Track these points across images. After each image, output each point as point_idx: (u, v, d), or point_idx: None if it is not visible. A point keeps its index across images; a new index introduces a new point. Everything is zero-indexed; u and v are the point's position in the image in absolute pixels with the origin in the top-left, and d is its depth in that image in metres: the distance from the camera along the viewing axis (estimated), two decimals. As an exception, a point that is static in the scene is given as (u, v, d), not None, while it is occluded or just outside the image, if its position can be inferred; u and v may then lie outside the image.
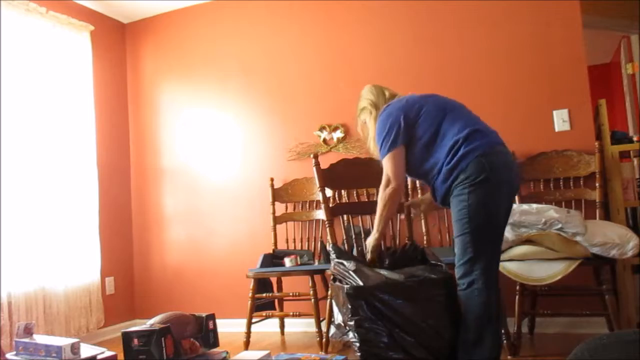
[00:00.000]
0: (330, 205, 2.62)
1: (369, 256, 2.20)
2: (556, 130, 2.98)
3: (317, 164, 2.59)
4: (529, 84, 3.06)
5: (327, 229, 2.48)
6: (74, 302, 3.40)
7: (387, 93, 2.27)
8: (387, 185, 2.07)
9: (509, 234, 2.46)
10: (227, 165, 3.83)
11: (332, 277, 2.16)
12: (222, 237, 3.81)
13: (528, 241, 2.45)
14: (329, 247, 2.33)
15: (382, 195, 2.09)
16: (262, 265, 3.12)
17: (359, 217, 3.27)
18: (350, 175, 2.62)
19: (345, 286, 1.96)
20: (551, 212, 2.43)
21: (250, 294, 2.98)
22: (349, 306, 1.93)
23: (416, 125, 2.06)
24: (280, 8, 3.73)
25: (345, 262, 2.09)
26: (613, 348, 0.96)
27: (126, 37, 4.26)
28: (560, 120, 2.97)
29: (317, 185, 2.57)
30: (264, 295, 3.05)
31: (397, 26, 3.39)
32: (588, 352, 0.97)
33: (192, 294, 3.84)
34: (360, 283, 1.94)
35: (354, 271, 2.02)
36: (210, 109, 3.93)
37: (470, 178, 1.92)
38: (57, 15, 3.50)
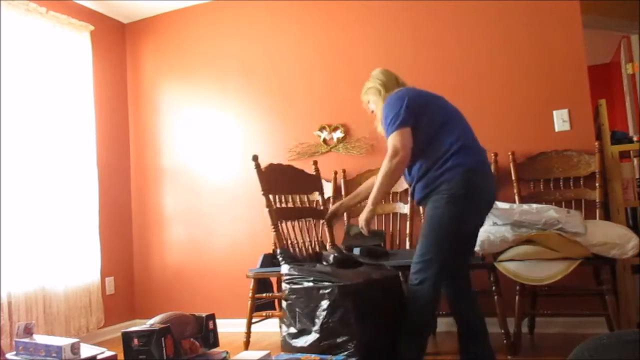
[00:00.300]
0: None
1: (364, 231, 2.25)
2: (556, 130, 2.98)
3: (258, 166, 2.50)
4: (529, 84, 3.06)
5: (274, 234, 2.43)
6: (74, 302, 3.40)
7: (399, 79, 2.32)
8: (394, 156, 2.07)
9: (508, 234, 2.46)
10: (227, 165, 3.83)
11: (287, 281, 2.13)
12: (222, 237, 3.81)
13: (528, 241, 2.44)
14: (278, 251, 2.33)
15: (387, 165, 2.09)
16: (262, 265, 3.11)
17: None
18: (280, 180, 2.60)
19: (337, 285, 1.96)
20: (551, 212, 2.43)
21: (250, 294, 2.97)
22: (341, 306, 1.93)
23: (420, 117, 2.11)
24: (280, 8, 3.73)
25: (305, 265, 2.14)
26: (613, 348, 0.96)
27: (126, 37, 4.26)
28: (560, 120, 2.97)
29: (261, 188, 2.48)
30: (264, 295, 3.04)
31: (397, 26, 3.39)
32: (588, 352, 0.97)
33: (192, 294, 3.84)
34: (347, 282, 1.97)
35: (331, 272, 2.06)
36: (210, 109, 3.93)
37: (451, 190, 2.02)
38: (57, 15, 3.50)
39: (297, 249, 2.54)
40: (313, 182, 2.83)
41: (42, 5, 3.38)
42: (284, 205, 2.62)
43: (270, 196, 2.52)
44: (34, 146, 3.28)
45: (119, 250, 3.96)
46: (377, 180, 2.14)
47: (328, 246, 2.79)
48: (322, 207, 2.84)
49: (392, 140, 2.08)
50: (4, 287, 2.96)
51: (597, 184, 2.77)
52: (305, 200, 2.78)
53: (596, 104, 2.92)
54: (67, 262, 3.39)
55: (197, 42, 4.01)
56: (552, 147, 2.94)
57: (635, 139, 2.97)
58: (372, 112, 2.35)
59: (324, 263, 2.27)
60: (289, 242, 2.50)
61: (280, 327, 2.16)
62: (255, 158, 2.53)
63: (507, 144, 3.03)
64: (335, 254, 2.27)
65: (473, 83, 3.18)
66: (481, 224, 2.20)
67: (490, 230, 2.49)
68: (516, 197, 2.91)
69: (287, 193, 2.64)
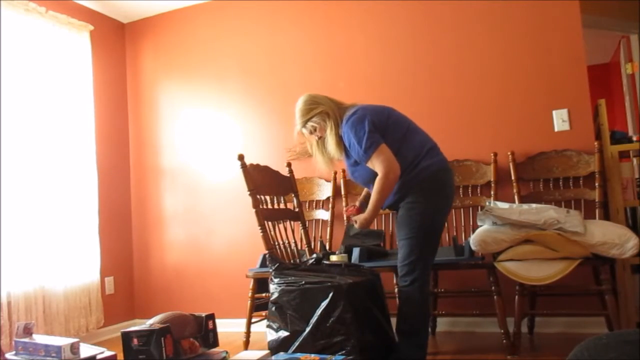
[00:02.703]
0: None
1: (357, 225, 2.28)
2: (556, 130, 2.98)
3: (244, 166, 2.48)
4: (529, 84, 3.06)
5: (261, 235, 2.41)
6: (73, 302, 3.40)
7: (333, 98, 2.35)
8: (388, 173, 2.10)
9: (508, 233, 2.46)
10: (227, 165, 3.82)
11: (279, 282, 2.13)
12: (222, 237, 3.81)
13: (528, 241, 2.45)
14: (267, 256, 2.35)
15: (385, 182, 2.11)
16: (262, 265, 3.11)
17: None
18: (262, 181, 2.59)
19: (335, 284, 1.98)
20: (551, 211, 2.44)
21: (250, 294, 2.98)
22: (338, 305, 1.95)
23: (386, 131, 2.18)
24: (280, 8, 3.73)
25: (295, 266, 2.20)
26: (613, 348, 0.96)
27: (126, 37, 4.26)
28: (560, 120, 2.97)
29: (247, 188, 2.47)
30: (264, 295, 3.04)
31: (397, 27, 3.39)
32: (588, 351, 0.97)
33: (192, 294, 3.84)
34: (344, 282, 1.99)
35: (328, 272, 2.11)
36: (210, 109, 3.93)
37: (426, 190, 2.12)
38: (57, 15, 3.50)
39: (282, 251, 2.55)
40: (289, 184, 2.86)
41: (41, 5, 3.38)
42: (269, 206, 2.61)
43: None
44: (34, 146, 3.27)
45: (119, 250, 3.96)
46: (374, 195, 2.15)
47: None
48: (296, 209, 2.83)
49: (379, 161, 2.11)
50: (4, 286, 2.96)
51: (596, 184, 2.77)
52: (282, 201, 2.77)
53: (596, 103, 2.92)
54: (66, 262, 3.38)
55: (197, 42, 4.00)
56: (551, 147, 2.94)
57: (634, 138, 2.97)
58: (320, 137, 2.34)
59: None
60: (275, 243, 2.50)
61: (267, 332, 2.14)
62: (240, 157, 2.51)
63: (507, 144, 3.03)
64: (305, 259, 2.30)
65: (472, 83, 3.18)
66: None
67: (490, 230, 2.49)
68: (516, 197, 2.91)
69: (269, 194, 2.65)
